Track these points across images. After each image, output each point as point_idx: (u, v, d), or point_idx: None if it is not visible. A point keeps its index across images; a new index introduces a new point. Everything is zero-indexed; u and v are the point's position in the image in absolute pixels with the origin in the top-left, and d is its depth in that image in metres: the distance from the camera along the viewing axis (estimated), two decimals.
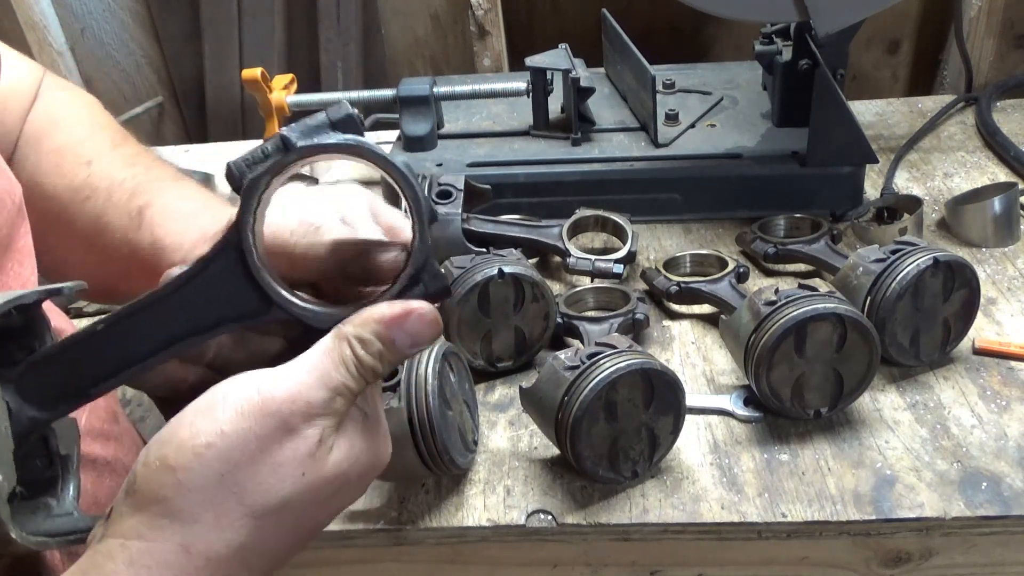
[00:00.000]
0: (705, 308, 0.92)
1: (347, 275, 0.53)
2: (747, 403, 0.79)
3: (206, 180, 1.24)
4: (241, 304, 0.46)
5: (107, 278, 0.64)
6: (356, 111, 0.45)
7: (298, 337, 0.48)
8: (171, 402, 0.50)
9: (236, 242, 0.45)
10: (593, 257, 0.92)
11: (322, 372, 0.44)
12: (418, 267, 0.47)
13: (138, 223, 0.62)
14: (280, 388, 0.43)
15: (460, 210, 0.93)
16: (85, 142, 0.69)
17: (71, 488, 0.47)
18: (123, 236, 0.63)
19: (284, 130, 0.45)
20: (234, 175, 0.44)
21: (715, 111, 1.18)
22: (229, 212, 0.60)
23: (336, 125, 0.45)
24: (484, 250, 0.88)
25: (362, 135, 0.46)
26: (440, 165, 1.11)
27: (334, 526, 0.71)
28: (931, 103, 1.31)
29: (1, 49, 0.69)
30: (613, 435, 0.70)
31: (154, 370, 0.47)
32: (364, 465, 0.46)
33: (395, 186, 0.47)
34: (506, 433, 0.79)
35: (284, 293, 0.46)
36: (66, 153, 0.68)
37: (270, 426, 0.42)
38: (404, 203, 0.47)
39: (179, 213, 0.62)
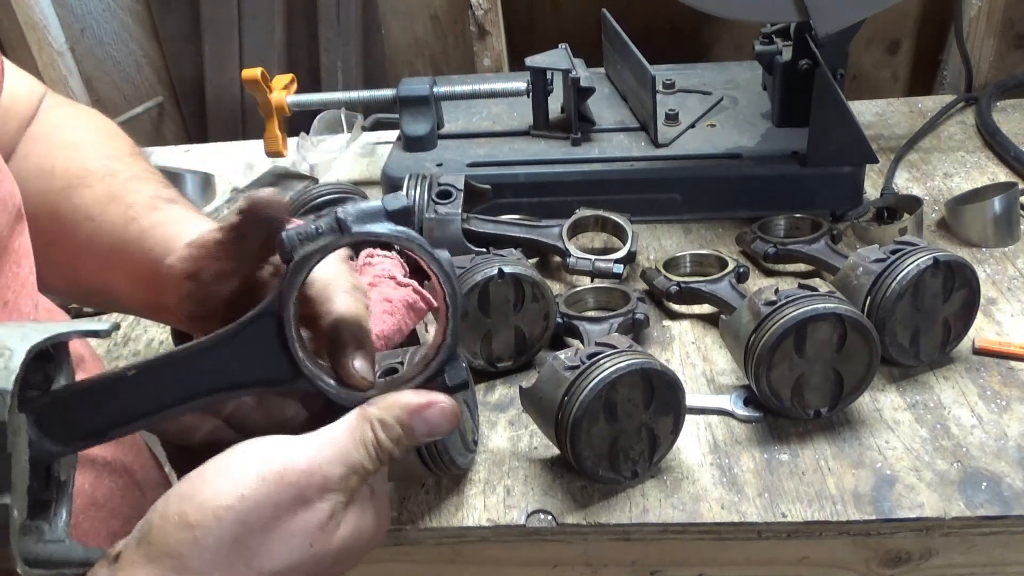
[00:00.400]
0: (705, 308, 0.92)
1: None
2: (747, 403, 0.79)
3: (206, 180, 1.24)
4: (272, 370, 0.48)
5: (109, 285, 0.64)
6: (411, 203, 0.47)
7: (320, 410, 0.50)
8: (183, 449, 0.52)
9: (276, 311, 0.47)
10: (593, 257, 0.92)
11: (342, 449, 0.46)
12: (445, 360, 0.49)
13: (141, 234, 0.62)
14: (301, 459, 0.44)
15: (460, 210, 0.93)
16: (75, 148, 0.69)
17: (64, 513, 0.47)
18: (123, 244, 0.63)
19: (340, 212, 0.46)
20: (285, 247, 0.46)
21: (715, 111, 1.18)
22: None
23: (391, 215, 0.47)
24: (484, 250, 0.88)
25: (412, 226, 0.48)
26: (440, 165, 1.11)
27: None
28: (931, 103, 1.31)
29: (5, 63, 0.69)
30: (613, 435, 0.70)
31: None
32: (367, 538, 0.48)
33: (436, 279, 0.49)
34: (506, 433, 0.79)
35: (315, 368, 0.48)
36: (50, 158, 0.68)
37: (287, 495, 0.44)
38: (442, 296, 0.49)
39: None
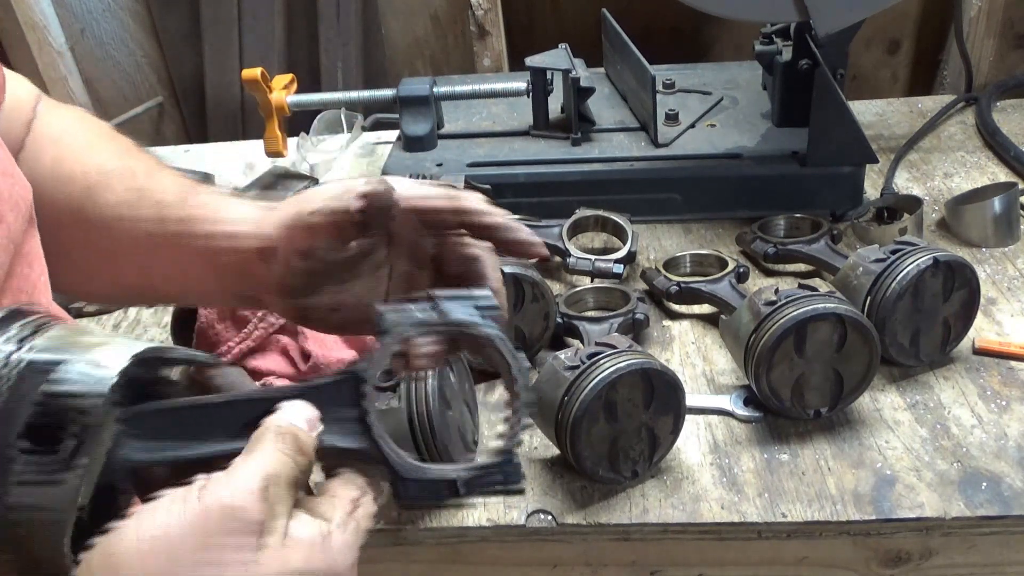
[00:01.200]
0: (705, 308, 0.92)
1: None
2: (747, 403, 0.79)
3: (206, 180, 1.24)
4: (345, 433, 0.49)
5: (127, 275, 0.65)
6: (501, 311, 0.50)
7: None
8: None
9: (361, 375, 0.48)
10: (593, 257, 0.92)
11: (254, 462, 0.44)
12: (502, 460, 0.49)
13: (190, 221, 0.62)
14: (221, 484, 0.42)
15: None
16: (85, 150, 0.69)
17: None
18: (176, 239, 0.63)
19: (441, 298, 0.48)
20: (382, 325, 0.48)
21: (715, 111, 1.18)
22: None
23: (482, 310, 0.49)
24: None
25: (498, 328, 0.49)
26: (440, 165, 1.11)
27: None
28: (931, 103, 1.31)
29: (4, 70, 0.69)
30: (613, 435, 0.70)
31: None
32: (334, 551, 0.45)
33: (507, 381, 0.49)
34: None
35: (382, 441, 0.49)
36: (64, 162, 0.68)
37: (212, 521, 0.41)
38: (513, 399, 0.50)
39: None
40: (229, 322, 0.80)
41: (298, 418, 0.47)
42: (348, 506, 0.47)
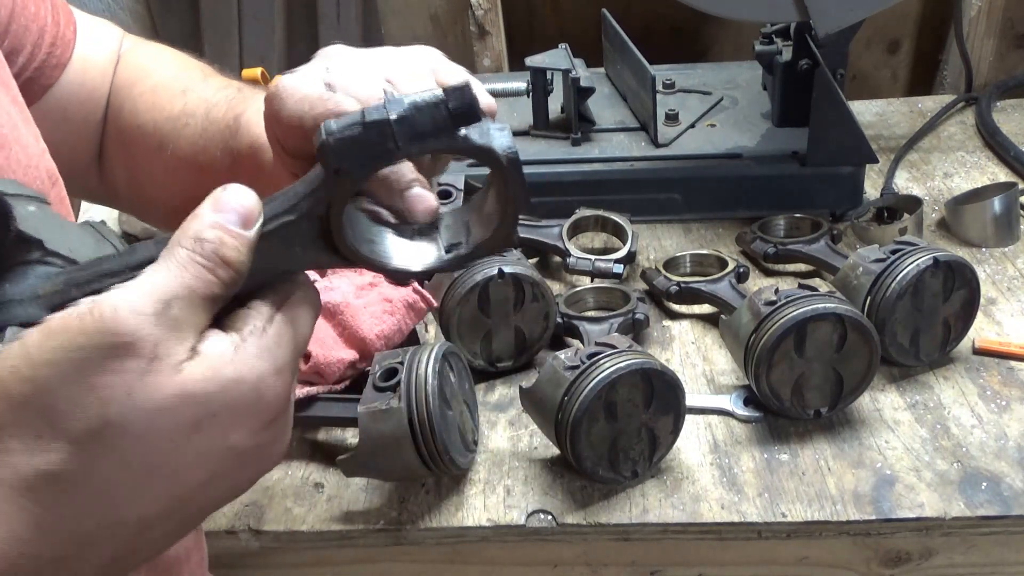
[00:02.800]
0: (705, 308, 0.92)
1: None
2: (747, 403, 0.79)
3: None
4: (318, 258, 0.43)
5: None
6: (476, 99, 0.40)
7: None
8: None
9: (324, 218, 0.42)
10: (593, 257, 0.92)
11: (153, 279, 0.38)
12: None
13: (235, 130, 0.63)
14: (105, 301, 0.37)
15: None
16: (177, 77, 0.72)
17: None
18: (224, 147, 0.63)
19: (392, 110, 0.40)
20: (327, 153, 0.40)
21: (715, 111, 1.18)
22: None
23: (455, 116, 0.41)
24: None
25: (476, 119, 0.41)
26: None
27: (335, 526, 0.71)
28: (931, 103, 1.31)
29: (79, 16, 0.73)
30: (613, 435, 0.70)
31: None
32: (235, 399, 0.39)
33: (502, 181, 0.44)
34: (506, 433, 0.79)
35: (369, 254, 0.44)
36: (160, 91, 0.71)
37: (87, 343, 0.37)
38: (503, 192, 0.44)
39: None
40: None
41: (228, 214, 0.40)
42: (267, 313, 0.42)
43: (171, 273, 0.39)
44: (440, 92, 0.40)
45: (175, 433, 0.39)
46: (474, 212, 0.48)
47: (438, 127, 0.40)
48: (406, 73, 0.51)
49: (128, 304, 0.37)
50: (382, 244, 0.46)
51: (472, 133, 0.41)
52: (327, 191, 0.41)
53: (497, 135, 0.41)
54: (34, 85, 0.68)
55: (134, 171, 0.73)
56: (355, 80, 0.50)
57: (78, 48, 0.72)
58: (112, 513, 0.39)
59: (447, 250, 0.46)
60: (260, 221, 0.41)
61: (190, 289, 0.39)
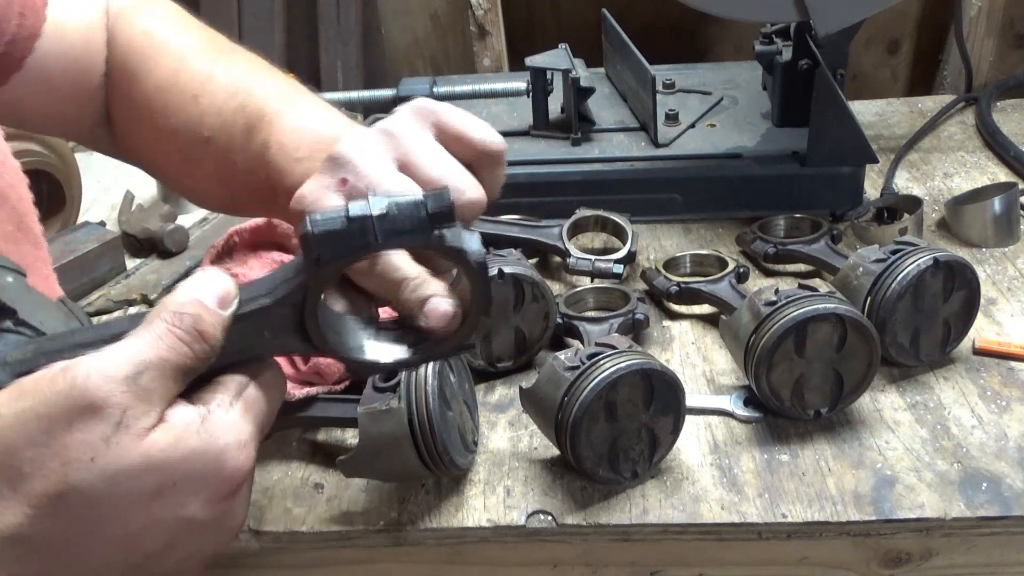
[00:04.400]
0: (705, 308, 0.92)
1: None
2: (747, 403, 0.79)
3: None
4: (291, 345, 0.46)
5: (239, 204, 0.68)
6: (452, 202, 0.44)
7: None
8: None
9: (300, 311, 0.45)
10: (593, 257, 0.92)
11: (128, 347, 0.39)
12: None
13: (260, 160, 0.62)
14: (77, 366, 0.38)
15: None
16: (183, 72, 0.70)
17: None
18: (249, 172, 0.64)
19: (375, 208, 0.43)
20: (309, 245, 0.42)
21: (715, 111, 1.18)
22: (339, 116, 0.63)
23: (433, 216, 0.44)
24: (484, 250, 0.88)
25: (452, 220, 0.44)
26: None
27: (334, 527, 0.71)
28: (931, 103, 1.31)
29: None
30: (613, 435, 0.70)
31: None
32: (197, 469, 0.40)
33: (468, 278, 0.47)
34: (506, 433, 0.79)
35: (338, 344, 0.47)
36: (170, 90, 0.69)
37: (56, 405, 0.37)
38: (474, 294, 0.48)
39: (295, 138, 0.62)
40: None
41: (206, 293, 0.41)
42: (234, 388, 0.43)
43: (147, 343, 0.40)
44: (420, 194, 0.43)
45: (135, 500, 0.39)
46: None
47: (416, 226, 0.43)
48: (417, 153, 0.54)
49: (100, 369, 0.38)
50: (350, 336, 0.49)
51: (447, 234, 0.44)
52: (306, 278, 0.44)
53: (468, 239, 0.45)
54: (8, 59, 0.66)
55: (155, 150, 0.72)
56: (374, 182, 0.53)
57: (50, 13, 0.68)
58: (73, 571, 0.40)
59: (411, 346, 0.50)
60: (236, 303, 0.42)
61: (163, 360, 0.39)
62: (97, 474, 0.38)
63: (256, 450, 0.43)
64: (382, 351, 0.49)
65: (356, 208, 0.42)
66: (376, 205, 0.43)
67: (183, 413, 0.40)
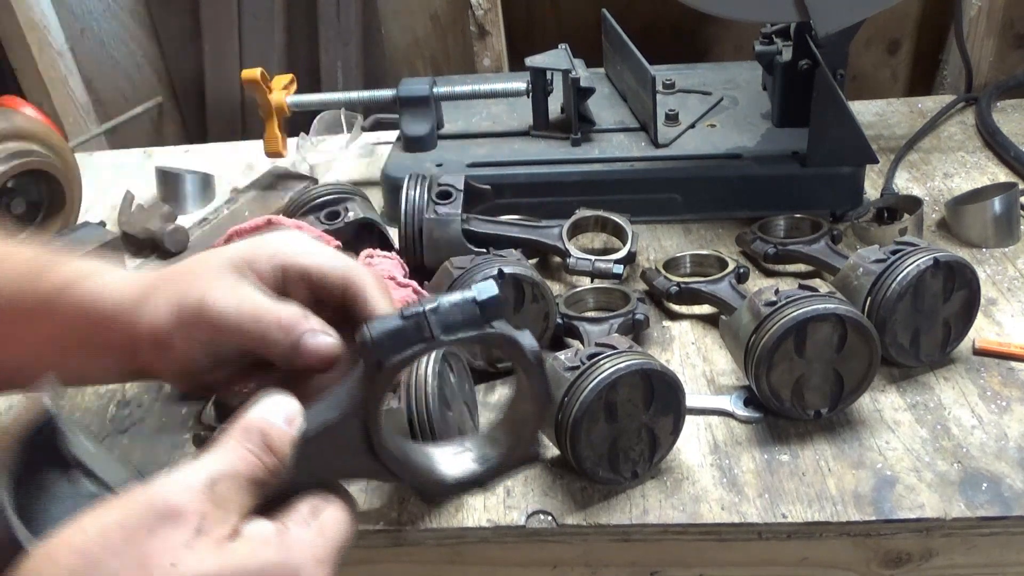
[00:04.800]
0: (705, 308, 0.92)
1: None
2: (747, 403, 0.79)
3: (206, 181, 1.24)
4: (355, 465, 0.48)
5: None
6: (501, 295, 0.46)
7: None
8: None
9: (362, 419, 0.46)
10: (593, 257, 0.92)
11: (206, 460, 0.42)
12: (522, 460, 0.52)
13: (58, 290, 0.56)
14: (160, 478, 0.40)
15: (460, 210, 0.93)
16: None
17: None
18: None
19: (429, 309, 0.45)
20: (368, 350, 0.44)
21: (715, 111, 1.18)
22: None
23: (483, 307, 0.46)
24: (484, 251, 0.88)
25: (503, 313, 0.47)
26: (440, 165, 1.11)
27: None
28: (931, 103, 1.31)
29: None
30: (613, 436, 0.70)
31: None
32: (293, 557, 0.41)
33: (526, 378, 0.49)
34: None
35: (400, 463, 0.48)
36: None
37: (137, 513, 0.39)
38: (534, 399, 0.50)
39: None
40: None
41: (273, 413, 0.44)
42: (308, 509, 0.45)
43: (219, 456, 0.42)
44: (471, 291, 0.46)
45: None
46: (498, 427, 0.53)
47: (469, 318, 0.45)
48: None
49: (178, 480, 0.40)
50: (415, 452, 0.50)
51: (498, 326, 0.46)
52: (367, 384, 0.45)
53: (521, 334, 0.48)
54: None
55: None
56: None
57: None
58: None
59: (478, 461, 0.51)
60: (302, 422, 0.45)
61: (236, 471, 0.42)
62: None
63: (335, 570, 0.44)
64: (450, 464, 0.51)
65: (410, 309, 0.45)
66: (428, 303, 0.45)
67: (260, 527, 0.42)
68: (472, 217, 0.96)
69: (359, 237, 0.96)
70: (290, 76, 1.22)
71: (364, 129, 1.37)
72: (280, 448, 0.43)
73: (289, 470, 0.44)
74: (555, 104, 1.17)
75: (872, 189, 1.10)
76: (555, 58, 1.12)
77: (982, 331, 0.85)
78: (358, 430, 0.46)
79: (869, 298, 0.78)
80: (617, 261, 0.92)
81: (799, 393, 0.75)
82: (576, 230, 0.98)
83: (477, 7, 1.66)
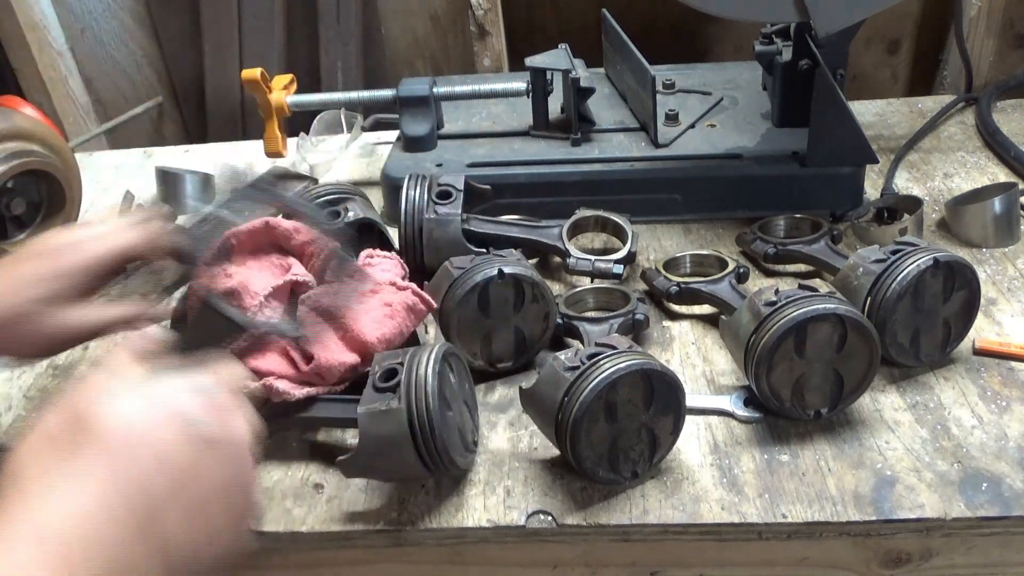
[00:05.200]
0: (705, 308, 0.92)
1: None
2: (747, 403, 0.79)
3: (206, 180, 1.24)
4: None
5: None
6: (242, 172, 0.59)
7: None
8: None
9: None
10: (593, 257, 0.92)
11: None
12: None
13: None
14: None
15: (460, 210, 0.93)
16: None
17: None
18: None
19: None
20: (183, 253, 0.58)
21: (715, 111, 1.18)
22: None
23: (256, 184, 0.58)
24: (484, 251, 0.88)
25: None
26: (440, 165, 1.11)
27: (334, 527, 0.71)
28: (931, 103, 1.31)
29: None
30: (613, 436, 0.70)
31: None
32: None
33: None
34: (506, 434, 0.79)
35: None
36: None
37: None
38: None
39: None
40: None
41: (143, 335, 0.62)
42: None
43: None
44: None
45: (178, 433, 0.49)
46: None
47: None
48: None
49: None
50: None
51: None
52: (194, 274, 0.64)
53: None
54: None
55: None
56: None
57: None
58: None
59: None
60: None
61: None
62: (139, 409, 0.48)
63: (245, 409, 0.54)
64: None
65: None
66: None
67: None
68: (472, 217, 0.96)
69: (359, 237, 0.95)
70: (290, 76, 1.22)
71: (364, 129, 1.37)
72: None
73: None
74: (555, 104, 1.17)
75: (872, 189, 1.10)
76: (555, 58, 1.12)
77: (982, 331, 0.85)
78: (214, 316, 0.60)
79: (869, 298, 0.78)
80: (617, 261, 0.92)
81: (799, 393, 0.75)
82: (576, 230, 0.98)
83: (477, 7, 1.66)
